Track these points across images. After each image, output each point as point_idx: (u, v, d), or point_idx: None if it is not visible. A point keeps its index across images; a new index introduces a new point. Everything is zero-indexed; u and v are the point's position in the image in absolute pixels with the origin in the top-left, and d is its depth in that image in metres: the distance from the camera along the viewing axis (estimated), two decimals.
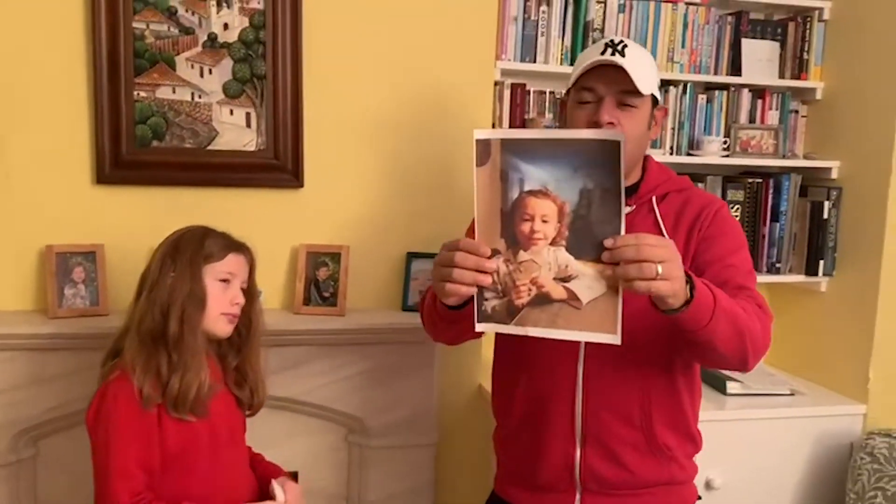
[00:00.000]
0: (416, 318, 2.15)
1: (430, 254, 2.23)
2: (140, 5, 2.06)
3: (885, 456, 2.22)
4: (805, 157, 2.60)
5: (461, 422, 2.37)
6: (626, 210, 1.22)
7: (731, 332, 1.32)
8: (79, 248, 2.08)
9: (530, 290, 1.27)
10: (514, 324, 1.30)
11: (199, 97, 2.13)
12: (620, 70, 1.44)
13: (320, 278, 2.21)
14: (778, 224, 2.53)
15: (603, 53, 1.47)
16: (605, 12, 2.39)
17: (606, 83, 1.47)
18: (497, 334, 1.67)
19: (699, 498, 1.66)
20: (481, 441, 2.27)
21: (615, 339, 1.23)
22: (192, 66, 2.12)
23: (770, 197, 2.53)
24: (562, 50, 2.38)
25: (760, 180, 2.53)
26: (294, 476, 2.18)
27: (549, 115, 2.41)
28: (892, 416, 2.35)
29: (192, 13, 2.10)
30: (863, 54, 2.43)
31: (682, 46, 2.48)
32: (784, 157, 2.58)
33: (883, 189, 2.33)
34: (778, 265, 2.55)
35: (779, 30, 2.59)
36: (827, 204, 2.47)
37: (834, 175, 2.52)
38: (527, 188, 1.25)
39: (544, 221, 1.25)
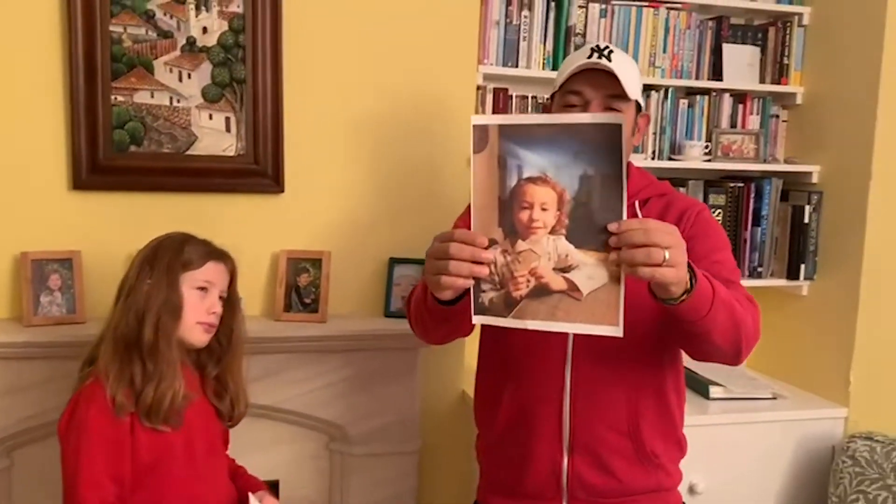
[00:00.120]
0: (398, 325, 2.15)
1: (413, 259, 2.22)
2: (117, 8, 2.04)
3: (867, 459, 2.23)
4: (786, 162, 2.62)
5: (444, 429, 2.36)
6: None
7: (728, 324, 1.31)
8: (55, 254, 2.04)
9: (529, 281, 1.23)
10: (511, 316, 1.25)
11: (178, 101, 2.10)
12: (607, 74, 1.45)
13: (301, 284, 2.19)
14: (759, 228, 2.54)
15: (590, 58, 1.48)
16: (586, 17, 2.39)
17: (594, 87, 1.47)
18: (481, 341, 1.66)
19: None
20: (465, 448, 2.25)
21: (617, 330, 1.19)
22: (171, 71, 2.10)
23: (751, 201, 2.54)
24: (544, 55, 2.38)
25: (742, 185, 2.54)
26: (275, 485, 2.16)
27: None
28: (874, 419, 2.36)
29: (171, 17, 2.08)
30: (842, 59, 2.45)
31: (664, 51, 2.48)
32: (765, 161, 2.59)
33: (863, 193, 2.35)
34: (759, 269, 2.55)
35: (759, 35, 2.61)
36: (808, 208, 2.49)
37: (814, 179, 2.53)
38: (525, 175, 1.21)
39: (543, 209, 1.21)
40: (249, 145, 2.15)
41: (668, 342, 1.51)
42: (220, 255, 1.63)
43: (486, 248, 1.24)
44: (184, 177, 2.12)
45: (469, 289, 1.27)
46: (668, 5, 2.47)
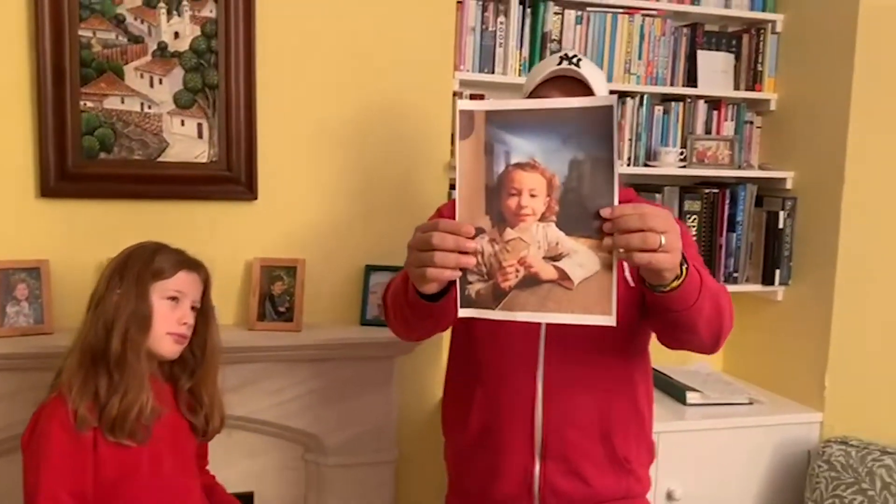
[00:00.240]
0: (374, 333, 2.13)
1: (389, 266, 2.19)
2: (86, 13, 2.00)
3: (842, 464, 2.24)
4: (760, 168, 2.63)
5: (422, 438, 2.33)
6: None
7: (713, 313, 1.31)
8: (22, 263, 1.99)
9: (518, 270, 1.19)
10: (500, 309, 1.20)
11: (149, 107, 2.07)
12: (576, 81, 1.47)
13: (275, 293, 2.16)
14: (734, 234, 2.55)
15: (559, 65, 1.49)
16: (562, 24, 2.40)
17: (564, 93, 1.47)
18: (451, 344, 1.64)
19: None
20: (443, 457, 2.23)
21: (610, 320, 1.16)
22: (142, 76, 2.06)
23: (726, 207, 2.55)
24: (520, 61, 2.38)
25: (717, 191, 2.55)
26: (250, 497, 2.13)
27: None
28: (848, 423, 2.37)
29: (142, 21, 2.05)
30: (815, 66, 2.47)
31: (639, 58, 2.49)
32: (740, 167, 2.60)
33: (836, 198, 2.37)
34: (735, 275, 2.57)
35: (733, 42, 2.63)
36: (782, 214, 2.50)
37: (789, 185, 2.55)
38: (513, 161, 1.18)
39: (532, 196, 1.18)
40: (222, 152, 2.12)
41: (639, 345, 1.52)
42: (192, 265, 1.60)
43: (472, 238, 1.19)
44: (155, 184, 2.09)
45: (454, 281, 1.22)
46: (644, 12, 2.48)
